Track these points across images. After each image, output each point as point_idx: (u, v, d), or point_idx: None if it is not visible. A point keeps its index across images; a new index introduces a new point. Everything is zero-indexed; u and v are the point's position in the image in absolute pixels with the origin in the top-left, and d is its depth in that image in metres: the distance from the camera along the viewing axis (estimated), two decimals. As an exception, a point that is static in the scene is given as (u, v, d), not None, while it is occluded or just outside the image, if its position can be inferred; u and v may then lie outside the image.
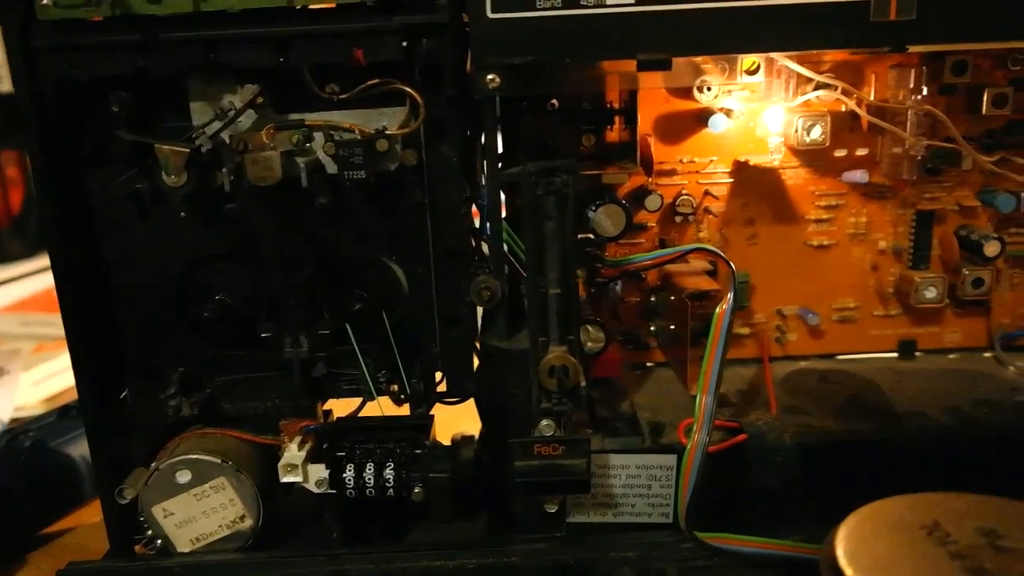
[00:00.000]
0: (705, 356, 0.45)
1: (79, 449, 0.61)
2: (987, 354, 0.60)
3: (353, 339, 0.49)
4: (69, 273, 0.48)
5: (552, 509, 0.48)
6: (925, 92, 0.54)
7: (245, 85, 0.46)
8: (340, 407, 0.54)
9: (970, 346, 0.60)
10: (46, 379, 0.86)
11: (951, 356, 0.60)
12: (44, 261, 1.17)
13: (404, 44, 0.43)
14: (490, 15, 0.43)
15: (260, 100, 0.45)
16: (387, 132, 0.46)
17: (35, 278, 1.13)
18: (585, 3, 0.43)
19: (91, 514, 0.63)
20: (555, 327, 0.46)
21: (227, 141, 0.46)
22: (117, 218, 0.48)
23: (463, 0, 0.44)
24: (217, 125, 0.46)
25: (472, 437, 0.55)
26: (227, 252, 0.49)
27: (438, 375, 0.51)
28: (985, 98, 0.55)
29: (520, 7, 0.43)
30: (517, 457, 0.45)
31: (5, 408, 0.79)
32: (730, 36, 0.43)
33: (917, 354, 0.60)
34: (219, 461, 0.48)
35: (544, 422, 0.46)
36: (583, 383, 0.46)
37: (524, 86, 0.45)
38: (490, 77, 0.43)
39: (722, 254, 0.49)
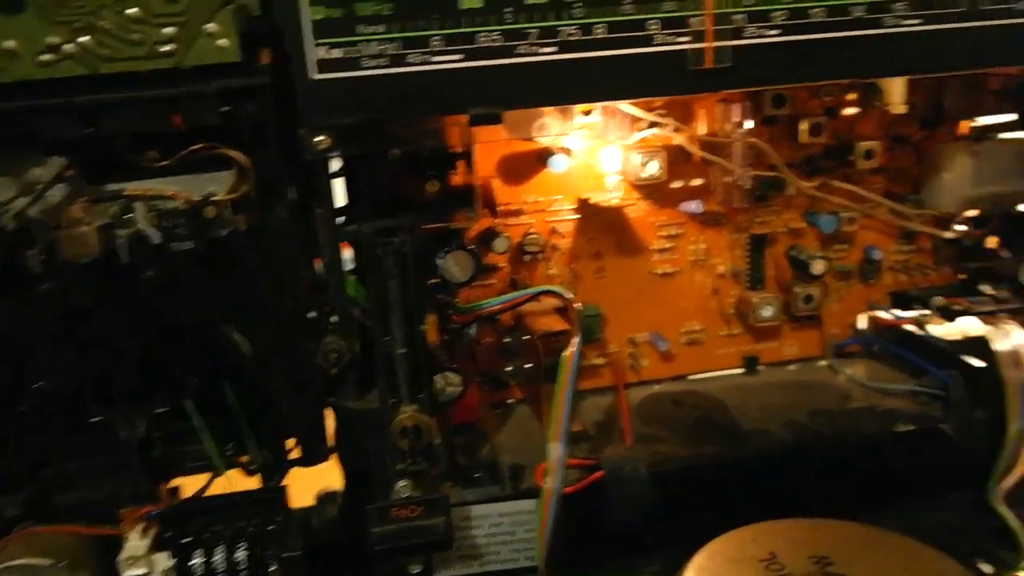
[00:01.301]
0: (554, 402, 0.46)
1: None
2: (821, 363, 0.64)
3: (195, 414, 0.47)
4: None
5: (416, 570, 0.47)
6: (752, 124, 0.56)
7: (52, 157, 0.42)
8: (190, 483, 0.51)
9: (806, 356, 0.64)
10: None
11: (790, 368, 0.64)
12: None
13: (224, 108, 0.41)
14: (314, 76, 0.42)
15: (70, 173, 0.42)
16: (215, 198, 0.44)
17: None
18: (411, 61, 0.42)
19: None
20: (405, 386, 0.45)
21: (36, 218, 0.42)
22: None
23: (285, 60, 0.42)
24: (23, 202, 0.42)
25: (336, 493, 0.53)
26: (45, 335, 0.45)
27: (289, 442, 0.49)
28: (803, 127, 0.58)
29: (345, 67, 0.42)
30: (374, 523, 0.44)
31: None
32: (557, 89, 0.44)
33: (760, 368, 0.63)
34: (49, 563, 0.44)
35: (400, 483, 0.46)
36: (437, 441, 0.46)
37: (356, 144, 0.44)
38: (319, 138, 0.42)
39: (567, 295, 0.50)
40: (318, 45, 0.41)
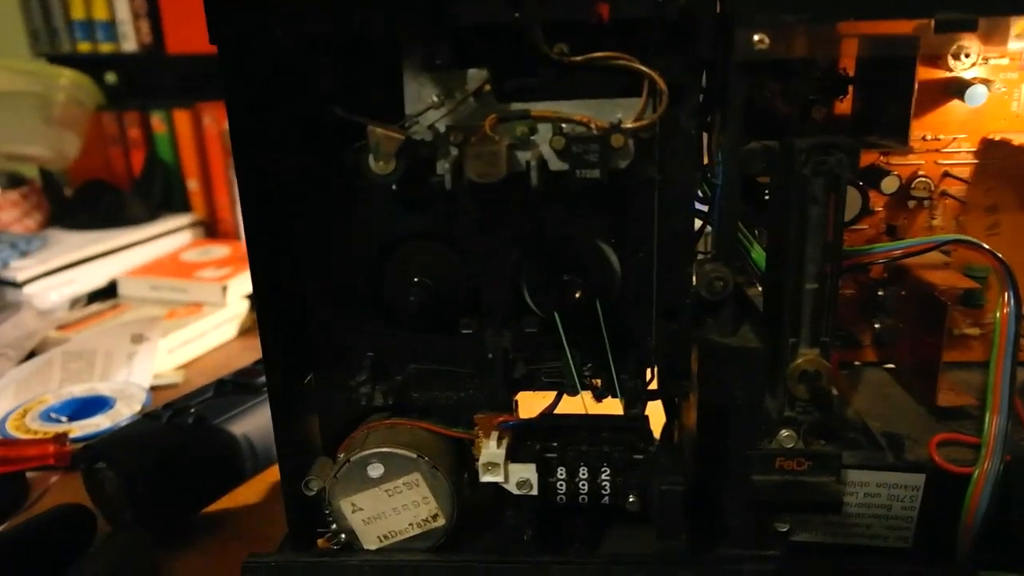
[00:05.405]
0: (991, 370, 0.39)
1: (241, 427, 0.59)
2: None
3: (561, 330, 0.44)
4: (263, 254, 0.44)
5: (784, 528, 0.43)
6: None
7: (471, 69, 0.40)
8: (526, 398, 0.49)
9: None
10: (180, 347, 0.85)
11: None
12: (166, 224, 1.15)
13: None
14: (760, -35, 0.37)
15: (487, 88, 0.40)
16: (623, 126, 0.40)
17: (158, 242, 1.11)
18: (877, -50, 0.37)
19: (247, 495, 0.60)
20: (808, 327, 0.40)
21: (442, 131, 0.41)
22: (312, 198, 0.44)
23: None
24: (436, 114, 0.41)
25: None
26: (428, 231, 0.44)
27: (648, 372, 0.46)
28: None
29: (798, -45, 0.37)
30: (756, 471, 0.40)
31: (145, 375, 0.78)
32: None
33: None
34: (415, 456, 0.44)
35: (785, 433, 0.41)
36: (835, 391, 0.41)
37: (789, 48, 0.39)
38: (758, 38, 0.38)
39: (987, 247, 0.42)
40: (769, -70, 0.37)
